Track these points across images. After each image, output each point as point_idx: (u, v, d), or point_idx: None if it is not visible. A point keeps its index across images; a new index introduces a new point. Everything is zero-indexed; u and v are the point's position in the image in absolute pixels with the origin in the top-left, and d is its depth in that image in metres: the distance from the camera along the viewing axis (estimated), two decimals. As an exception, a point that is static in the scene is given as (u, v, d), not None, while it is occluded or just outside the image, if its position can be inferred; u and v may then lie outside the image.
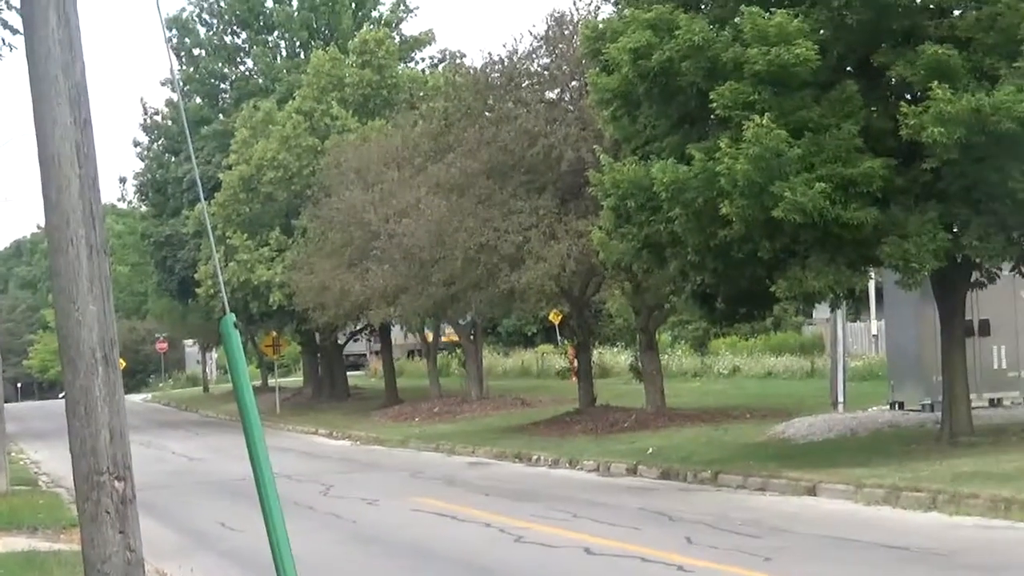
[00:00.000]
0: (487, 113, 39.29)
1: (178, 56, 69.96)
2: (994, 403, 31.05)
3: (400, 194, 43.44)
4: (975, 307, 29.79)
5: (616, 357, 61.14)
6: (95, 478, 6.95)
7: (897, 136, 22.48)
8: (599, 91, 25.44)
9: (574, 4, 40.84)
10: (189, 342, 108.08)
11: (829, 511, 20.62)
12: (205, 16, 71.48)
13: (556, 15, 38.81)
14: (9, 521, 23.36)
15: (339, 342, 67.71)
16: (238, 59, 72.11)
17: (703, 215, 23.31)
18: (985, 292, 27.62)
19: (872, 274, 33.02)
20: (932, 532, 17.71)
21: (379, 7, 71.22)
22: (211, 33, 71.52)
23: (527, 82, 39.15)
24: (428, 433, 42.31)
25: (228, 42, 71.62)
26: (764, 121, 21.91)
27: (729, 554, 16.90)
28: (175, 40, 69.98)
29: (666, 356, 53.84)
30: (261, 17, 70.80)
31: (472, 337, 53.80)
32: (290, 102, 60.13)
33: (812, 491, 22.42)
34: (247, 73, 71.64)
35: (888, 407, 32.41)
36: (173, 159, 70.44)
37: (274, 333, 62.65)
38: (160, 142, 72.46)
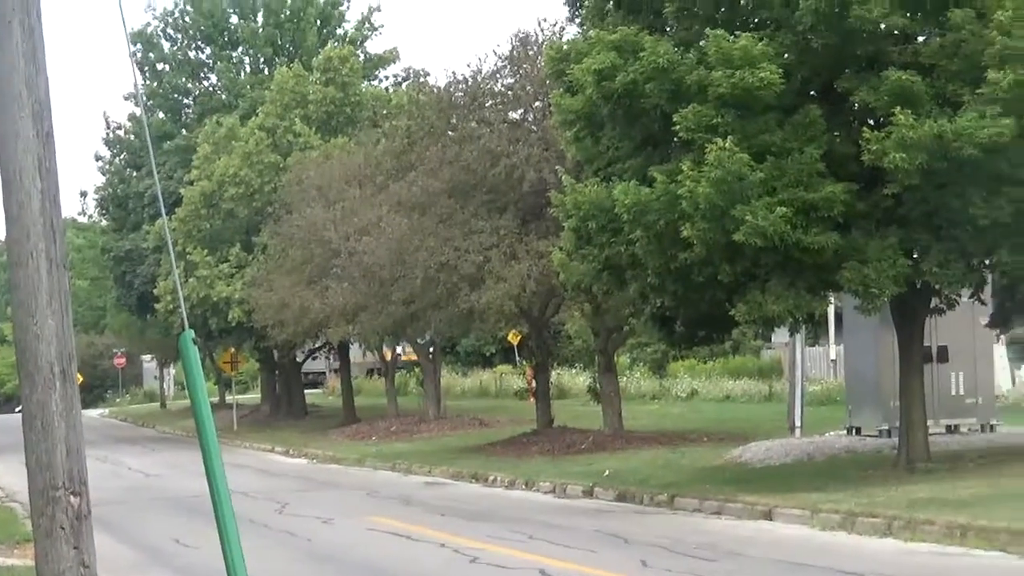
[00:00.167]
0: (450, 132, 39.29)
1: (142, 70, 69.67)
2: (951, 430, 31.14)
3: (361, 212, 43.40)
4: (934, 333, 29.90)
5: (574, 378, 61.04)
6: (50, 493, 6.89)
7: (859, 161, 22.53)
8: (562, 112, 25.45)
9: (539, 25, 41.14)
10: (147, 357, 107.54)
11: (785, 536, 20.62)
12: (170, 31, 71.33)
13: (521, 35, 38.90)
14: (-37, 535, 23.21)
15: (297, 360, 67.69)
16: (202, 74, 71.99)
17: (664, 238, 23.33)
18: (944, 318, 27.71)
19: (832, 299, 33.13)
20: (888, 558, 17.73)
21: (344, 25, 71.37)
22: (175, 48, 71.34)
23: (490, 102, 39.15)
24: (385, 452, 42.20)
25: (192, 57, 71.48)
26: (727, 144, 21.94)
27: (685, 577, 16.91)
28: (139, 54, 69.73)
29: (624, 378, 53.85)
30: (226, 33, 70.68)
31: (431, 356, 53.69)
32: (253, 118, 60.01)
33: (768, 515, 22.44)
34: (211, 88, 71.50)
35: (845, 432, 32.47)
36: (135, 174, 70.16)
37: (232, 349, 62.43)
38: (122, 156, 72.11)
